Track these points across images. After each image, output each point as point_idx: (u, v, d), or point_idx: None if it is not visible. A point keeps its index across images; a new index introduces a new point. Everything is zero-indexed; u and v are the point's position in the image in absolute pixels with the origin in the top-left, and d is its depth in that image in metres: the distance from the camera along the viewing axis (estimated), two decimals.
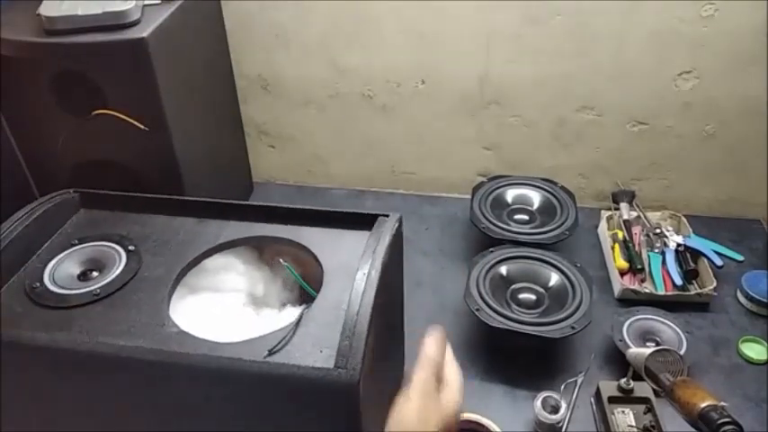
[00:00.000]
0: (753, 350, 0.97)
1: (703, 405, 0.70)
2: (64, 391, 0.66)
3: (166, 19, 0.89)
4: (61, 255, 0.73)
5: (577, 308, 0.93)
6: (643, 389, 0.88)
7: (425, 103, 1.25)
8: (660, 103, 1.18)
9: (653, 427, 0.85)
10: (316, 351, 0.60)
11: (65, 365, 0.63)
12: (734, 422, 0.67)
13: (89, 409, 0.67)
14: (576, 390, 0.91)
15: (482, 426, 0.85)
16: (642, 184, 1.27)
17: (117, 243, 0.74)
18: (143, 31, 0.85)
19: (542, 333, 0.90)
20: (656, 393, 0.83)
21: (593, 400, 0.90)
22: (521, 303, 0.99)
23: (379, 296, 0.64)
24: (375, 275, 0.64)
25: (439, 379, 0.56)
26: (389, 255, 0.69)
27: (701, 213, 1.23)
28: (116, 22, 0.86)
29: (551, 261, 1.02)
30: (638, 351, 0.87)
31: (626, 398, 0.88)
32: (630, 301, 1.04)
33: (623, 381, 0.88)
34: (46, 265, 0.71)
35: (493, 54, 1.17)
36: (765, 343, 0.98)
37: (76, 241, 0.75)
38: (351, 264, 0.68)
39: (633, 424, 0.85)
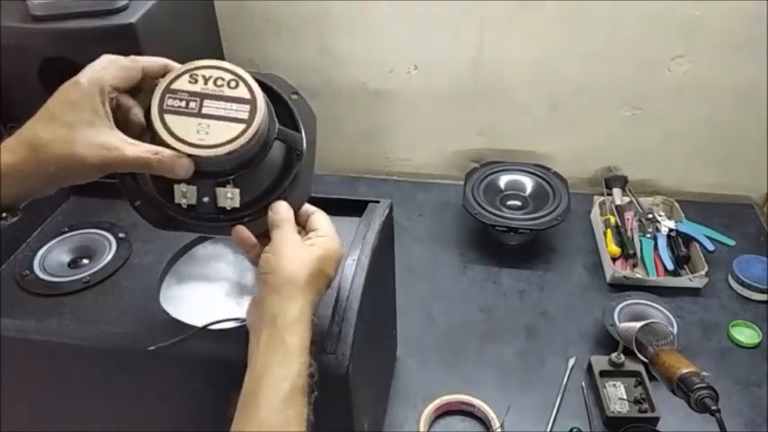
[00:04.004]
0: (743, 334, 0.98)
1: (685, 371, 0.72)
2: (55, 379, 0.66)
3: (155, 4, 0.89)
4: (51, 242, 0.73)
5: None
6: (634, 363, 0.89)
7: (418, 89, 1.24)
8: (653, 88, 1.18)
9: (644, 399, 0.87)
10: None
11: (55, 353, 0.63)
12: (710, 388, 0.69)
13: (80, 395, 0.67)
14: (568, 372, 0.92)
15: (474, 406, 0.86)
16: (635, 169, 1.27)
17: (107, 230, 0.74)
18: (131, 17, 0.85)
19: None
20: (645, 366, 0.85)
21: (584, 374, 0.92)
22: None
23: (370, 282, 0.64)
24: (365, 261, 0.65)
25: (307, 230, 0.58)
26: (380, 241, 0.69)
27: (693, 198, 1.24)
28: (104, 8, 0.86)
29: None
30: (628, 325, 0.89)
31: (617, 371, 0.90)
32: (622, 286, 1.05)
33: (614, 355, 0.90)
34: (36, 253, 0.71)
35: (486, 39, 1.16)
36: (756, 327, 0.99)
37: (66, 229, 0.74)
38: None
39: (624, 396, 0.87)
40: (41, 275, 0.68)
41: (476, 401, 0.86)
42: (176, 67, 0.56)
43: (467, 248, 1.15)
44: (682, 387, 0.72)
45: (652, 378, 0.86)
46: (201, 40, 1.10)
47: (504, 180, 1.19)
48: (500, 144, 1.30)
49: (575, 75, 1.18)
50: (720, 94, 1.16)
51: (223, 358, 0.58)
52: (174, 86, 0.54)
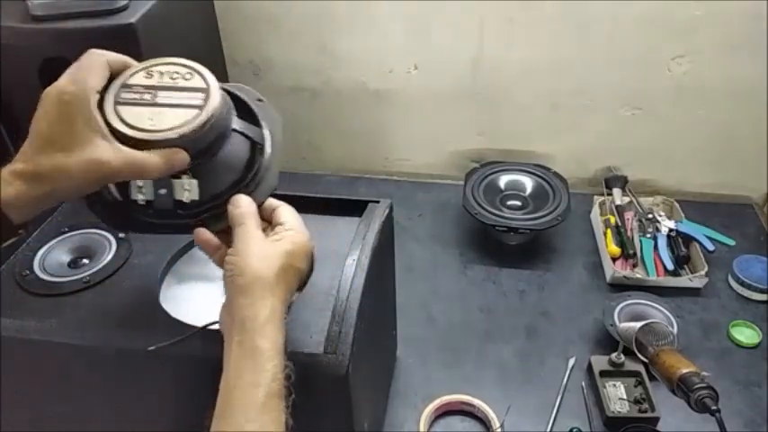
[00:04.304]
0: (743, 334, 0.98)
1: (685, 371, 0.72)
2: (55, 379, 0.66)
3: (155, 4, 0.89)
4: (51, 242, 0.73)
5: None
6: (634, 363, 0.89)
7: (418, 89, 1.24)
8: (653, 88, 1.18)
9: (644, 399, 0.87)
10: (305, 337, 0.60)
11: (55, 353, 0.63)
12: (710, 388, 0.69)
13: (80, 395, 0.67)
14: (568, 372, 0.92)
15: (474, 406, 0.86)
16: (635, 169, 1.27)
17: (107, 230, 0.74)
18: (131, 17, 0.85)
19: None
20: (645, 366, 0.85)
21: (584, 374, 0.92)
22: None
23: (369, 282, 0.64)
24: (365, 261, 0.65)
25: (273, 225, 0.57)
26: (379, 241, 0.69)
27: (693, 198, 1.24)
28: (104, 8, 0.86)
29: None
30: (628, 325, 0.89)
31: (617, 371, 0.90)
32: (622, 285, 1.05)
33: (614, 355, 0.90)
34: (36, 253, 0.71)
35: (485, 39, 1.16)
36: (755, 327, 0.99)
37: (66, 229, 0.74)
38: (342, 250, 0.68)
39: (624, 396, 0.87)
40: (41, 275, 0.68)
41: (476, 401, 0.86)
42: (135, 64, 0.56)
43: (467, 248, 1.15)
44: (682, 387, 0.72)
45: (652, 378, 0.85)
46: (201, 40, 1.10)
47: (504, 180, 1.19)
48: (500, 144, 1.30)
49: (575, 75, 1.18)
50: (720, 93, 1.16)
51: (223, 358, 0.58)
52: (129, 82, 0.54)
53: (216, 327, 0.60)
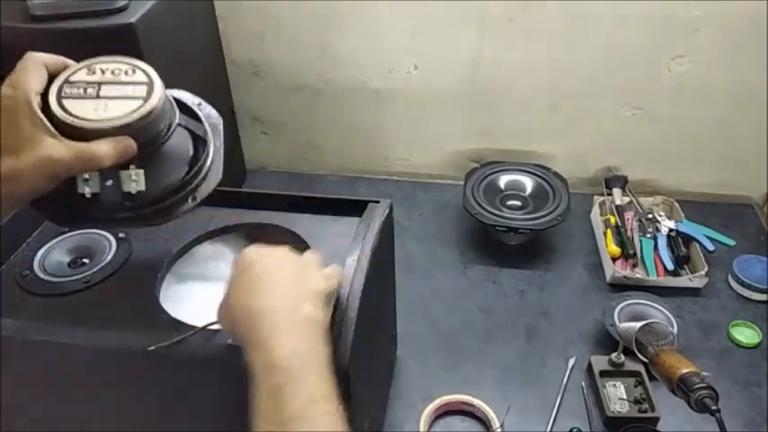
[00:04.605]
0: (743, 334, 0.98)
1: (685, 371, 0.72)
2: (55, 379, 0.66)
3: (155, 4, 0.88)
4: (51, 242, 0.73)
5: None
6: (634, 363, 0.89)
7: (418, 89, 1.24)
8: (653, 88, 1.18)
9: (644, 399, 0.87)
10: None
11: (55, 353, 0.63)
12: (710, 388, 0.69)
13: (80, 395, 0.67)
14: (568, 372, 0.92)
15: (474, 406, 0.86)
16: (635, 169, 1.27)
17: (107, 230, 0.74)
18: (131, 17, 0.84)
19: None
20: (645, 366, 0.85)
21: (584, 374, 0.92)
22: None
23: (369, 282, 0.64)
24: (364, 261, 0.64)
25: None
26: (379, 241, 0.69)
27: (693, 198, 1.24)
28: (104, 8, 0.85)
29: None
30: (628, 325, 0.89)
31: (617, 371, 0.90)
32: (622, 285, 1.05)
33: (614, 355, 0.90)
34: (36, 253, 0.71)
35: (486, 39, 1.16)
36: (755, 327, 0.99)
37: (66, 229, 0.74)
38: (341, 250, 0.68)
39: (624, 396, 0.87)
40: (41, 275, 0.68)
41: (476, 401, 0.86)
42: (74, 64, 0.58)
43: (467, 248, 1.15)
44: (682, 387, 0.72)
45: (652, 378, 0.85)
46: (201, 40, 1.10)
47: (504, 180, 1.19)
48: (500, 144, 1.30)
49: (575, 75, 1.18)
50: (720, 93, 1.16)
51: (223, 358, 0.58)
52: (71, 79, 0.55)
53: (216, 327, 0.61)
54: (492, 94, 1.23)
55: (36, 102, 0.52)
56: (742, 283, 1.05)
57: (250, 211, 0.77)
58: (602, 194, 1.22)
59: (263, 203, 0.78)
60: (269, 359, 0.47)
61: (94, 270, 0.68)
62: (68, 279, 0.68)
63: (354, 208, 0.75)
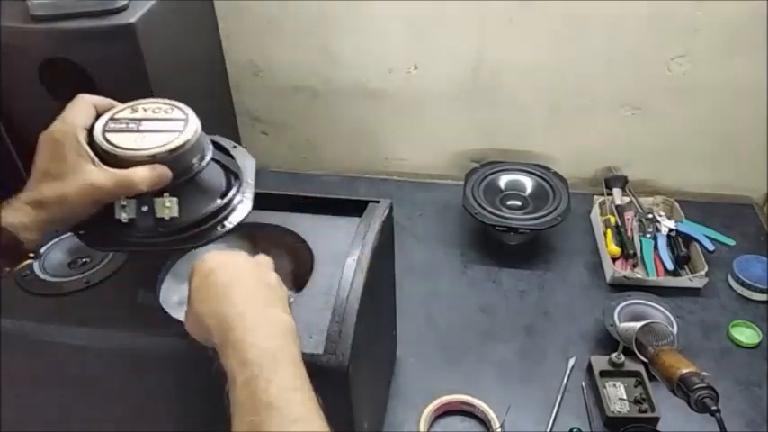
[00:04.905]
0: (743, 334, 0.98)
1: (685, 371, 0.72)
2: (55, 379, 0.66)
3: (155, 4, 0.88)
4: (51, 242, 0.73)
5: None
6: (634, 363, 0.89)
7: (418, 89, 1.24)
8: (653, 88, 1.18)
9: (644, 399, 0.87)
10: (306, 337, 0.60)
11: (55, 353, 0.63)
12: (710, 388, 0.69)
13: (80, 395, 0.67)
14: (568, 372, 0.92)
15: (474, 406, 0.86)
16: (635, 169, 1.27)
17: None
18: (131, 17, 0.85)
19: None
20: (645, 366, 0.86)
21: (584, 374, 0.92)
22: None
23: (369, 282, 0.64)
24: (365, 261, 0.65)
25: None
26: (379, 241, 0.69)
27: (693, 198, 1.24)
28: (104, 8, 0.86)
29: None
30: (628, 325, 0.89)
31: (617, 371, 0.90)
32: (622, 285, 1.05)
33: (614, 355, 0.90)
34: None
35: (486, 39, 1.16)
36: (755, 327, 0.99)
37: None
38: (341, 250, 0.68)
39: (624, 396, 0.87)
40: (41, 275, 0.68)
41: (476, 401, 0.86)
42: (120, 105, 0.63)
43: (467, 248, 1.15)
44: (682, 387, 0.72)
45: (652, 378, 0.85)
46: (201, 40, 1.10)
47: (504, 180, 1.19)
48: (500, 144, 1.30)
49: (575, 75, 1.18)
50: (720, 93, 1.16)
51: None
52: (116, 116, 0.61)
53: None
54: (492, 94, 1.23)
55: (82, 135, 0.57)
56: (742, 283, 1.05)
57: None
58: (603, 194, 1.22)
59: (263, 203, 0.77)
60: (242, 357, 0.48)
61: (94, 270, 0.68)
62: (68, 279, 0.68)
63: (354, 208, 0.75)
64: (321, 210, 0.77)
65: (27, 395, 0.69)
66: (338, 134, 1.34)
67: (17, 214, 0.54)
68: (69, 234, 0.73)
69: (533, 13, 1.11)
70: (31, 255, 0.57)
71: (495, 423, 0.84)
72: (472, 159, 1.32)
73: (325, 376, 0.57)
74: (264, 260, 0.60)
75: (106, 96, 0.84)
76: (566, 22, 1.12)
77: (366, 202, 0.75)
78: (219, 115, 1.23)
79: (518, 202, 1.16)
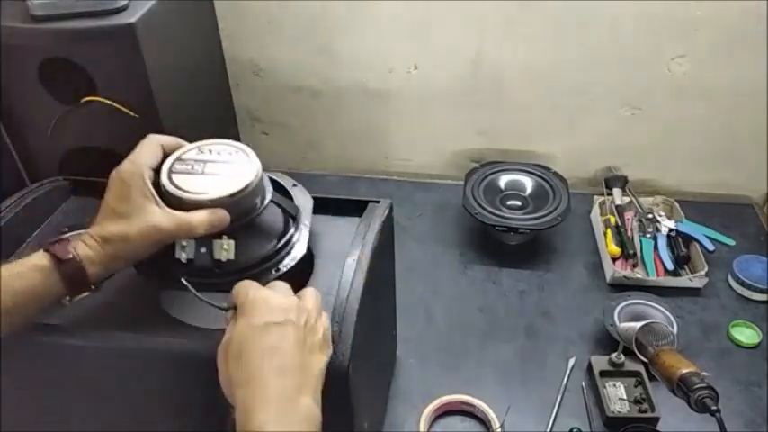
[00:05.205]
0: (743, 334, 0.98)
1: (685, 371, 0.72)
2: (55, 379, 0.66)
3: (155, 4, 0.88)
4: None
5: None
6: (634, 363, 0.89)
7: (418, 89, 1.24)
8: (653, 88, 1.18)
9: (644, 399, 0.87)
10: None
11: (55, 353, 0.63)
12: (710, 388, 0.69)
13: (80, 395, 0.67)
14: (568, 372, 0.92)
15: (474, 406, 0.86)
16: (635, 169, 1.27)
17: None
18: (131, 17, 0.84)
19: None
20: (645, 366, 0.86)
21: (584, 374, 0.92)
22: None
23: (369, 282, 0.64)
24: (364, 261, 0.65)
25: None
26: (379, 241, 0.69)
27: (693, 198, 1.24)
28: (104, 8, 0.85)
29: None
30: (628, 325, 0.89)
31: (617, 371, 0.90)
32: (622, 286, 1.05)
33: (614, 355, 0.90)
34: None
35: (485, 38, 1.16)
36: (755, 327, 0.99)
37: (67, 229, 0.74)
38: (341, 250, 0.68)
39: (624, 397, 0.87)
40: None
41: (476, 401, 0.86)
42: (187, 144, 0.65)
43: (467, 248, 1.15)
44: (682, 387, 0.72)
45: (652, 378, 0.86)
46: (202, 40, 1.10)
47: (504, 180, 1.19)
48: (500, 144, 1.30)
49: (575, 75, 1.18)
50: (720, 93, 1.16)
51: None
52: (183, 156, 0.63)
53: (216, 327, 0.61)
54: (492, 94, 1.23)
55: (148, 175, 0.60)
56: (742, 283, 1.05)
57: None
58: (603, 194, 1.22)
59: None
60: None
61: None
62: None
63: (354, 208, 0.75)
64: (321, 210, 0.77)
65: (27, 395, 0.69)
66: (338, 134, 1.34)
67: (86, 247, 0.57)
68: (69, 233, 0.73)
69: (533, 12, 1.11)
70: (93, 286, 0.59)
71: (496, 423, 0.84)
72: (472, 159, 1.32)
73: (325, 376, 0.57)
74: (311, 305, 0.57)
75: (108, 98, 0.85)
76: (566, 21, 1.12)
77: (366, 202, 0.75)
78: (219, 115, 1.23)
79: (518, 202, 1.16)
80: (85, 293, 0.59)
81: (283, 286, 0.58)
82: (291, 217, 0.68)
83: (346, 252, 0.66)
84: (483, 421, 0.86)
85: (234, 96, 1.27)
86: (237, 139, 1.31)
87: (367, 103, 1.28)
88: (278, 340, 0.52)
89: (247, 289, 0.55)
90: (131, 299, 0.66)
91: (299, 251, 0.65)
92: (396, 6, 1.14)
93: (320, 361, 0.54)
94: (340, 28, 1.19)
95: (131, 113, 0.90)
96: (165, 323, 0.63)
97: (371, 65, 1.23)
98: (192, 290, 0.58)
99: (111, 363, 0.63)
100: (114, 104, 0.89)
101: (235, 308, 0.56)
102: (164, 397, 0.66)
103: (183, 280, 0.59)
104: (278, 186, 0.70)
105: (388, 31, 1.18)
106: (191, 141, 0.66)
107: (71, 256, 0.56)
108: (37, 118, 0.94)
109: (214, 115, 1.20)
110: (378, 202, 0.75)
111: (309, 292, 0.58)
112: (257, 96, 1.31)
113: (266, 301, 0.54)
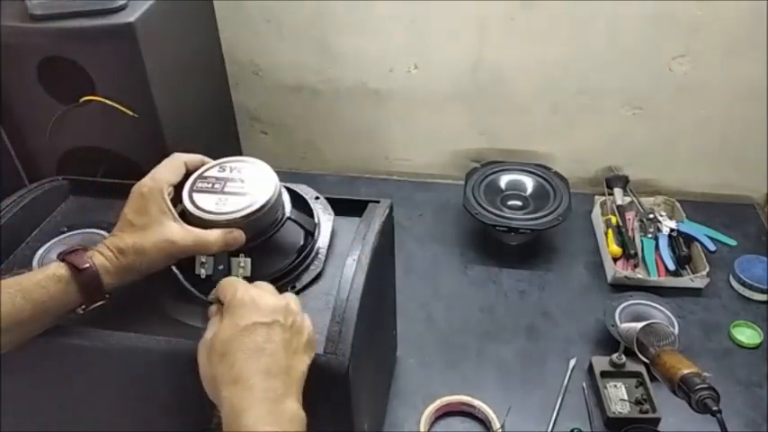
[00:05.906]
0: (744, 334, 0.98)
1: (686, 371, 0.71)
2: (55, 379, 0.66)
3: (154, 4, 0.88)
4: (50, 242, 0.73)
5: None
6: (635, 363, 0.89)
7: (418, 89, 1.24)
8: (654, 88, 1.17)
9: (645, 399, 0.86)
10: None
11: (55, 353, 0.63)
12: (712, 389, 0.69)
13: (80, 395, 0.67)
14: (569, 373, 0.91)
15: (474, 407, 0.86)
16: (636, 169, 1.27)
17: (106, 230, 0.73)
18: (130, 16, 0.84)
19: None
20: (646, 366, 0.85)
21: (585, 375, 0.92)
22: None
23: (370, 282, 0.64)
24: (365, 261, 0.64)
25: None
26: (380, 241, 0.69)
27: (694, 198, 1.23)
28: (103, 8, 0.85)
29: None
30: (629, 325, 0.89)
31: (618, 372, 0.90)
32: (623, 286, 1.04)
33: (615, 355, 0.90)
34: (35, 253, 0.71)
35: (486, 38, 1.16)
36: (757, 327, 0.99)
37: (66, 229, 0.74)
38: (342, 250, 0.68)
39: (625, 397, 0.87)
40: None
41: (476, 402, 0.86)
42: (210, 161, 0.68)
43: (467, 248, 1.15)
44: (683, 388, 0.72)
45: (653, 379, 0.85)
46: (201, 40, 1.10)
47: (504, 180, 1.18)
48: (500, 144, 1.30)
49: (575, 74, 1.18)
50: (721, 93, 1.16)
51: None
52: (205, 174, 0.66)
53: None
54: (492, 94, 1.23)
55: (167, 191, 0.62)
56: (743, 284, 1.05)
57: None
58: (604, 194, 1.22)
59: None
60: None
61: None
62: None
63: (354, 208, 0.75)
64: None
65: (27, 395, 0.69)
66: (338, 134, 1.34)
67: (102, 257, 0.58)
68: (69, 234, 0.73)
69: (534, 12, 1.11)
70: (107, 296, 0.60)
71: (496, 424, 0.83)
72: (472, 159, 1.32)
73: (325, 376, 0.57)
74: (294, 306, 0.57)
75: (107, 98, 0.85)
76: (566, 21, 1.12)
77: (366, 202, 0.75)
78: (219, 115, 1.23)
79: (519, 202, 1.16)
80: (100, 303, 0.60)
81: (269, 286, 0.58)
82: (310, 233, 0.69)
83: (346, 252, 0.66)
84: (483, 422, 0.86)
85: (233, 96, 1.27)
86: (237, 138, 1.31)
87: (367, 102, 1.28)
88: (265, 341, 0.52)
89: (235, 287, 0.56)
90: (132, 299, 0.65)
91: (315, 269, 0.67)
92: (396, 6, 1.14)
93: (303, 362, 0.55)
94: (340, 27, 1.18)
95: (130, 113, 0.90)
96: (165, 323, 0.63)
97: (371, 64, 1.22)
98: (180, 276, 0.60)
99: (111, 363, 0.63)
100: (113, 104, 0.89)
101: (220, 302, 0.56)
102: (163, 397, 0.65)
103: (172, 267, 0.61)
104: (298, 198, 0.71)
105: (389, 31, 1.18)
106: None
107: (88, 265, 0.57)
108: (36, 117, 0.94)
109: (213, 115, 1.20)
110: (378, 202, 0.75)
111: (291, 295, 0.59)
112: (257, 96, 1.30)
113: (254, 301, 0.54)
